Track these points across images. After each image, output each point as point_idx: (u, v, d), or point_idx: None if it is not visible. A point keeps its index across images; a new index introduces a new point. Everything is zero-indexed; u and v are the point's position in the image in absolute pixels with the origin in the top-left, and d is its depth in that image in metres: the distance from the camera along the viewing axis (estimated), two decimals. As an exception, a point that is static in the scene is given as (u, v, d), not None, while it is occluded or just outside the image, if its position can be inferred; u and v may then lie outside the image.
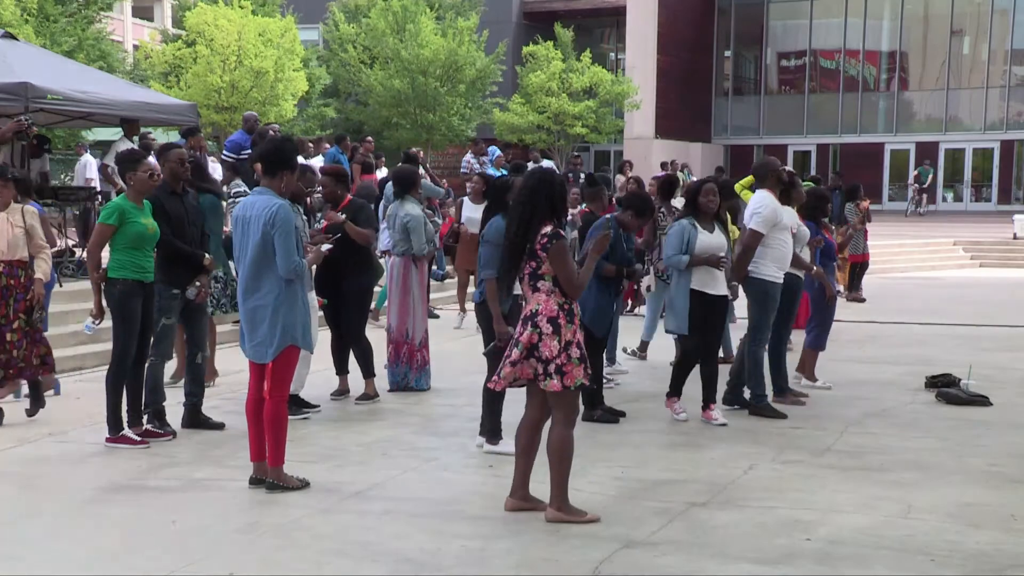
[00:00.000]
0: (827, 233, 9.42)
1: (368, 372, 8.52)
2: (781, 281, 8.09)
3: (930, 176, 34.74)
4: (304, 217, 8.01)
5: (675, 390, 7.83)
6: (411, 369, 8.87)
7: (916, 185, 34.34)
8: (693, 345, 7.71)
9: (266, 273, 5.85)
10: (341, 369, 8.65)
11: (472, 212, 12.11)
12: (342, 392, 8.59)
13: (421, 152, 19.68)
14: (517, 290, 6.76)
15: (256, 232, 5.82)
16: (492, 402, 6.84)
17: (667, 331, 7.90)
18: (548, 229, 5.36)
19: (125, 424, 7.06)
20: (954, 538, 5.25)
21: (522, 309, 6.84)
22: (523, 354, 5.37)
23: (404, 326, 8.86)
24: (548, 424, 5.51)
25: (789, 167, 27.72)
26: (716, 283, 7.66)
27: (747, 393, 8.15)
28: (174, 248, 7.24)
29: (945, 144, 37.18)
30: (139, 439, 7.01)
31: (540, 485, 5.58)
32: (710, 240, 7.63)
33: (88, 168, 17.14)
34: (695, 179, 20.77)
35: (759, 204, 8.03)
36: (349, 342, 8.55)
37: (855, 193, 16.24)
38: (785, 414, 8.01)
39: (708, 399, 7.77)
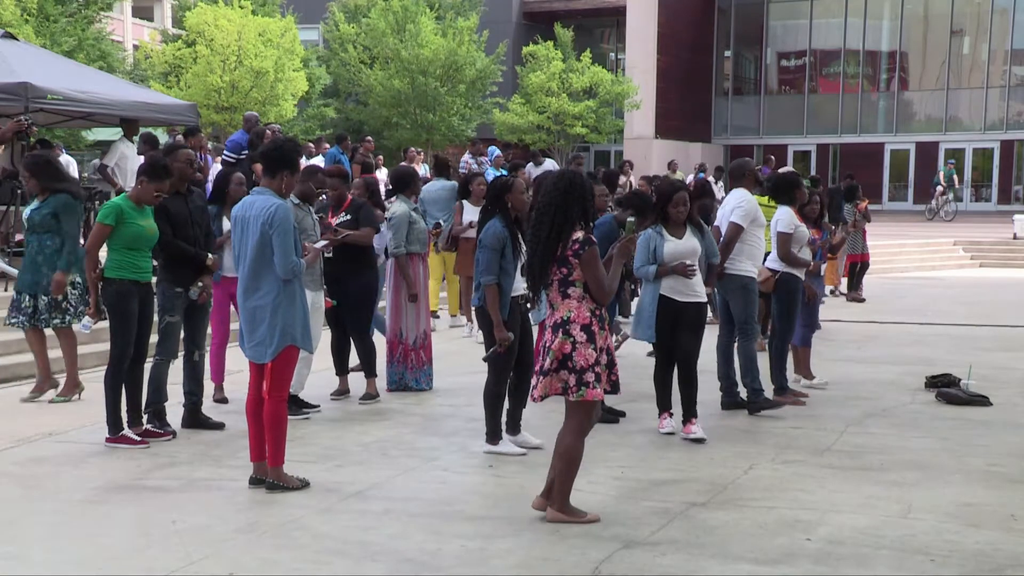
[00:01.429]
0: (816, 233, 9.40)
1: (370, 372, 8.52)
2: (755, 276, 8.13)
3: (952, 177, 33.53)
4: (315, 217, 8.02)
5: (663, 405, 7.45)
6: (407, 369, 8.87)
7: (941, 186, 33.10)
8: (665, 352, 7.40)
9: (265, 273, 5.85)
10: (341, 369, 8.65)
11: (473, 215, 11.97)
12: (342, 392, 8.59)
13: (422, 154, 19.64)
14: (517, 291, 6.80)
15: (255, 232, 5.82)
16: (493, 403, 6.83)
17: (635, 338, 7.61)
18: (580, 235, 5.27)
19: (125, 424, 7.07)
20: (954, 538, 5.25)
21: (523, 313, 6.88)
22: (554, 365, 5.31)
23: (397, 326, 8.85)
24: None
25: (790, 167, 27.40)
26: (688, 289, 7.25)
27: (743, 392, 8.15)
28: (176, 249, 7.23)
29: (945, 144, 37.17)
30: (139, 439, 7.01)
31: (543, 485, 5.59)
32: (678, 247, 7.24)
33: (69, 168, 17.04)
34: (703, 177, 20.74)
35: (741, 199, 8.15)
36: (353, 340, 8.56)
37: (853, 193, 16.37)
38: (784, 402, 8.09)
39: (687, 413, 7.28)
